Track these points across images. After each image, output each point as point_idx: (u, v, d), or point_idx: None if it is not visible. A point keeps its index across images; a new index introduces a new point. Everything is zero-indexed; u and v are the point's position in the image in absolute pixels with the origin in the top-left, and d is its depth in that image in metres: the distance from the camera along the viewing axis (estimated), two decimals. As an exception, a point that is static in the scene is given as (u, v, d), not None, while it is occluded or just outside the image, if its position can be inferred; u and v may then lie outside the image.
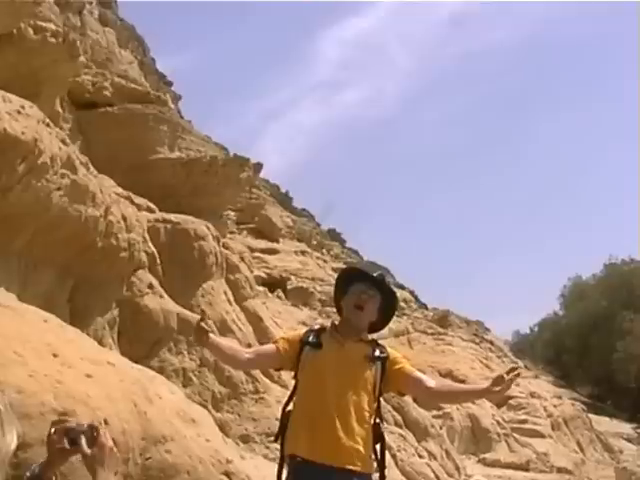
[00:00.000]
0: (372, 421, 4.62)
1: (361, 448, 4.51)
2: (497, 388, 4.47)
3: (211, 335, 4.65)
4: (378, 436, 4.65)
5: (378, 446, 4.68)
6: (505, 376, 4.46)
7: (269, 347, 4.91)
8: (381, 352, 4.71)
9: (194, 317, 11.60)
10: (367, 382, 4.59)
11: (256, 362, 5.06)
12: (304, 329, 5.00)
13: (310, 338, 4.68)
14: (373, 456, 4.65)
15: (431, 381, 4.83)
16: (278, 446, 4.81)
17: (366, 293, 4.74)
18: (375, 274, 4.84)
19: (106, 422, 6.04)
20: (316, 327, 4.99)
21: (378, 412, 4.70)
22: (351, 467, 4.44)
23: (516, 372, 4.53)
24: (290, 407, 4.68)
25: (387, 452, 13.20)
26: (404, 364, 4.77)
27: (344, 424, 4.45)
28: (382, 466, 4.68)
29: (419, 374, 4.81)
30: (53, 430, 2.86)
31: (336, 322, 4.90)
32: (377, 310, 4.82)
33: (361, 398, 4.54)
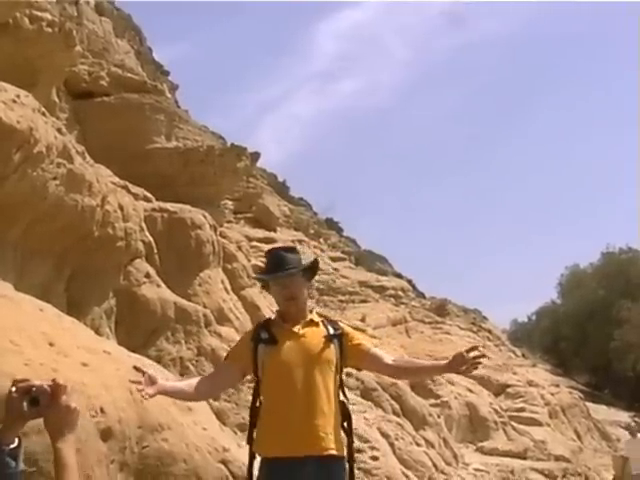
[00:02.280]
0: (338, 399, 4.63)
1: (337, 431, 4.53)
2: (462, 367, 4.49)
3: (160, 384, 4.56)
4: (345, 414, 4.65)
5: (347, 424, 4.67)
6: (465, 355, 4.47)
7: (223, 365, 4.92)
8: (335, 329, 4.72)
9: (191, 306, 11.62)
10: (330, 362, 4.58)
11: (217, 386, 4.94)
12: (250, 329, 4.98)
13: (262, 335, 4.64)
14: (343, 434, 4.64)
15: (389, 358, 4.83)
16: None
17: (285, 286, 4.71)
18: (273, 270, 4.76)
19: (102, 410, 6.06)
20: (262, 321, 4.99)
21: (342, 389, 4.71)
22: (327, 453, 4.42)
23: (477, 352, 4.54)
24: (258, 404, 4.65)
25: (385, 440, 13.22)
26: (361, 340, 4.79)
27: (317, 411, 4.44)
28: (350, 443, 4.68)
29: (377, 350, 4.82)
30: (14, 389, 2.75)
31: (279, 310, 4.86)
32: (304, 275, 4.80)
33: (328, 380, 4.54)
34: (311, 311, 4.85)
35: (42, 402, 2.74)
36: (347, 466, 4.63)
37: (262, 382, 4.60)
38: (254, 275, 5.34)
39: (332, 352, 4.62)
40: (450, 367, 4.58)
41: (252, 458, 4.62)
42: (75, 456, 2.74)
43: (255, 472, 4.60)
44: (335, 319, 5.05)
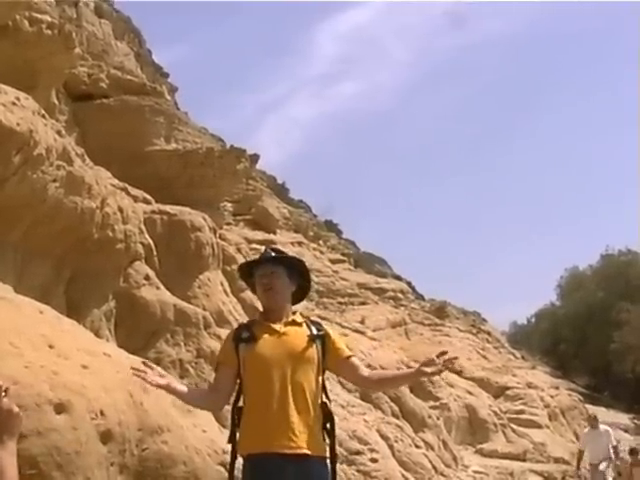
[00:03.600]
0: (320, 400, 4.61)
1: (314, 431, 4.49)
2: (429, 370, 4.54)
3: (171, 380, 4.60)
4: (327, 415, 4.62)
5: (329, 425, 4.62)
6: (436, 359, 4.53)
7: (217, 372, 4.84)
8: (318, 330, 4.71)
9: (191, 308, 11.62)
10: (312, 362, 4.56)
11: (224, 393, 4.82)
12: (231, 330, 4.96)
13: (242, 334, 4.63)
14: (326, 436, 4.61)
15: (366, 370, 4.87)
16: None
17: (265, 276, 4.72)
18: (259, 257, 4.87)
19: (102, 413, 6.06)
20: (245, 321, 5.02)
21: (324, 390, 4.68)
22: (301, 452, 4.38)
23: (447, 356, 4.58)
24: (240, 404, 4.60)
25: (384, 442, 13.19)
26: (343, 347, 4.80)
27: (292, 409, 4.41)
28: (333, 445, 4.65)
29: (355, 360, 4.83)
30: None
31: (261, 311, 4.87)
32: (289, 278, 4.79)
33: (310, 379, 4.52)
34: (294, 312, 4.81)
35: None
36: (330, 467, 4.61)
37: (243, 380, 4.57)
38: (239, 265, 5.29)
39: (314, 352, 4.59)
40: (419, 372, 4.62)
41: (234, 458, 4.61)
42: (15, 466, 2.46)
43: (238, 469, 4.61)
44: (318, 320, 5.04)
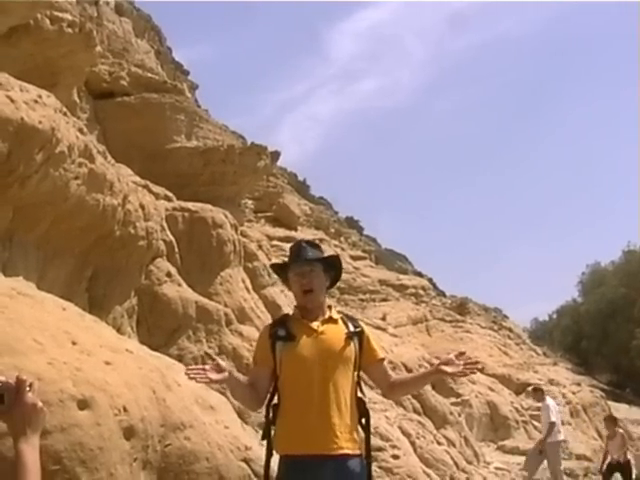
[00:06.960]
0: (356, 397, 4.59)
1: (352, 429, 4.48)
2: (449, 370, 4.50)
3: (230, 371, 4.59)
4: (363, 411, 4.60)
5: (364, 421, 4.61)
6: (455, 360, 4.50)
7: (254, 371, 4.79)
8: (355, 326, 4.68)
9: (212, 305, 11.64)
10: (349, 360, 4.54)
11: (264, 392, 4.78)
12: (266, 326, 4.90)
13: (279, 332, 4.58)
14: (361, 431, 4.61)
15: (391, 376, 4.86)
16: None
17: (303, 275, 4.66)
18: (294, 259, 4.74)
19: (125, 409, 6.08)
20: (280, 317, 4.94)
21: (359, 386, 4.65)
22: (341, 452, 4.38)
23: (467, 358, 4.55)
24: (275, 401, 4.58)
25: (406, 439, 13.15)
26: (377, 348, 4.77)
27: (333, 409, 4.40)
28: (368, 440, 4.64)
29: (386, 364, 4.84)
30: None
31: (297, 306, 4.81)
32: (324, 273, 4.73)
33: (346, 378, 4.50)
34: (330, 308, 4.78)
35: (7, 400, 2.50)
36: (365, 463, 4.61)
37: (280, 379, 4.55)
38: (272, 263, 5.22)
39: (352, 350, 4.57)
40: (439, 370, 4.56)
41: (269, 455, 4.60)
42: (38, 460, 2.49)
43: (272, 469, 4.60)
44: (353, 316, 5.01)
